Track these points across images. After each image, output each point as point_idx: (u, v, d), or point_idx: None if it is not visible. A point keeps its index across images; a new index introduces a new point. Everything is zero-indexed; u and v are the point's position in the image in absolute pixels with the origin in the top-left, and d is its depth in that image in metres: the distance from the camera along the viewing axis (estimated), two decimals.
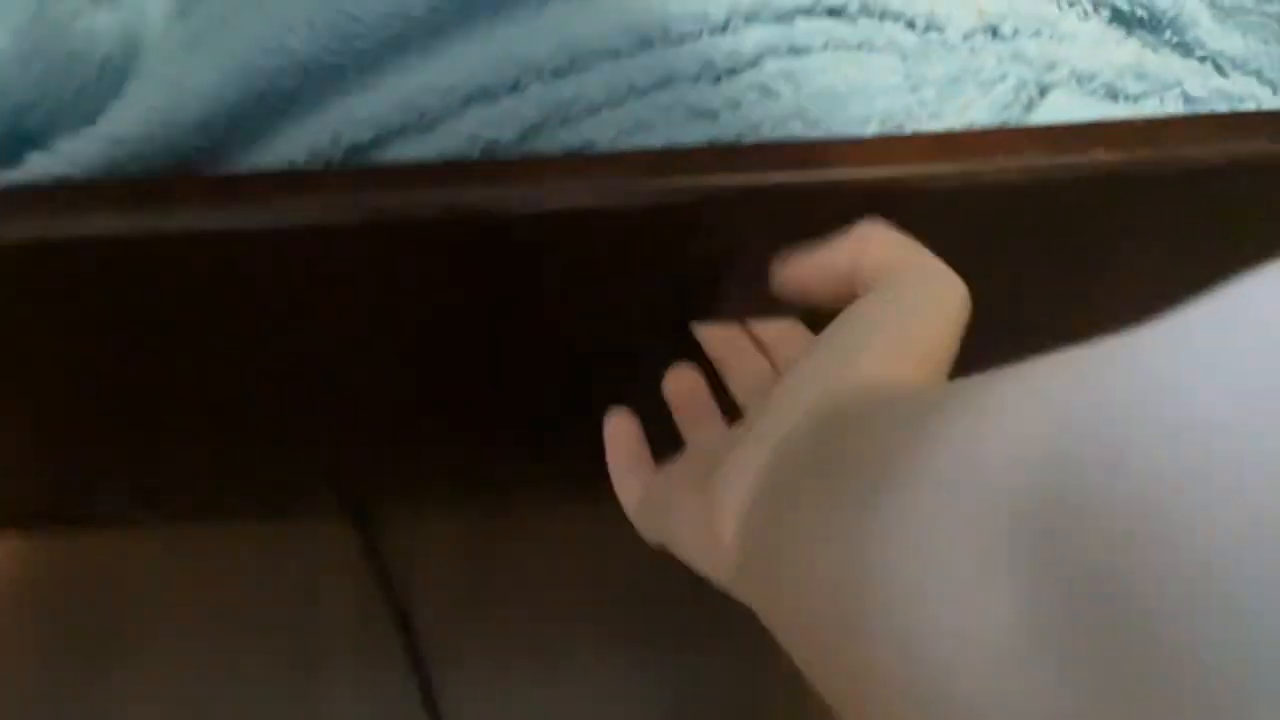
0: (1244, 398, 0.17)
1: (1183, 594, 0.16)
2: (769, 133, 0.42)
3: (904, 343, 0.34)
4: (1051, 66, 0.44)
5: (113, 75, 0.49)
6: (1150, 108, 0.45)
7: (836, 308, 0.37)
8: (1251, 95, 0.45)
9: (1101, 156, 0.40)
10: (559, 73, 0.43)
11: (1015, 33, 0.46)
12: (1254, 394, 0.17)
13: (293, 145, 0.45)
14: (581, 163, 0.42)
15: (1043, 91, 0.45)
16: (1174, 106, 0.45)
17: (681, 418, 0.46)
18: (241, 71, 0.43)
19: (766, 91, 0.43)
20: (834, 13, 0.44)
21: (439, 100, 0.43)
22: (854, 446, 0.29)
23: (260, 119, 0.45)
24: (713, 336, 0.46)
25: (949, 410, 0.25)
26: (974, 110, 0.43)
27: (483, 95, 0.43)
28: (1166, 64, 0.45)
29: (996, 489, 0.22)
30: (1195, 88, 0.45)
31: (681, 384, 0.46)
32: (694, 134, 0.43)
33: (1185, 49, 0.46)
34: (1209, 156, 0.40)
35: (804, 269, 0.39)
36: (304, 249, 0.43)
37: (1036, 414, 0.21)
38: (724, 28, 0.44)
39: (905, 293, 0.36)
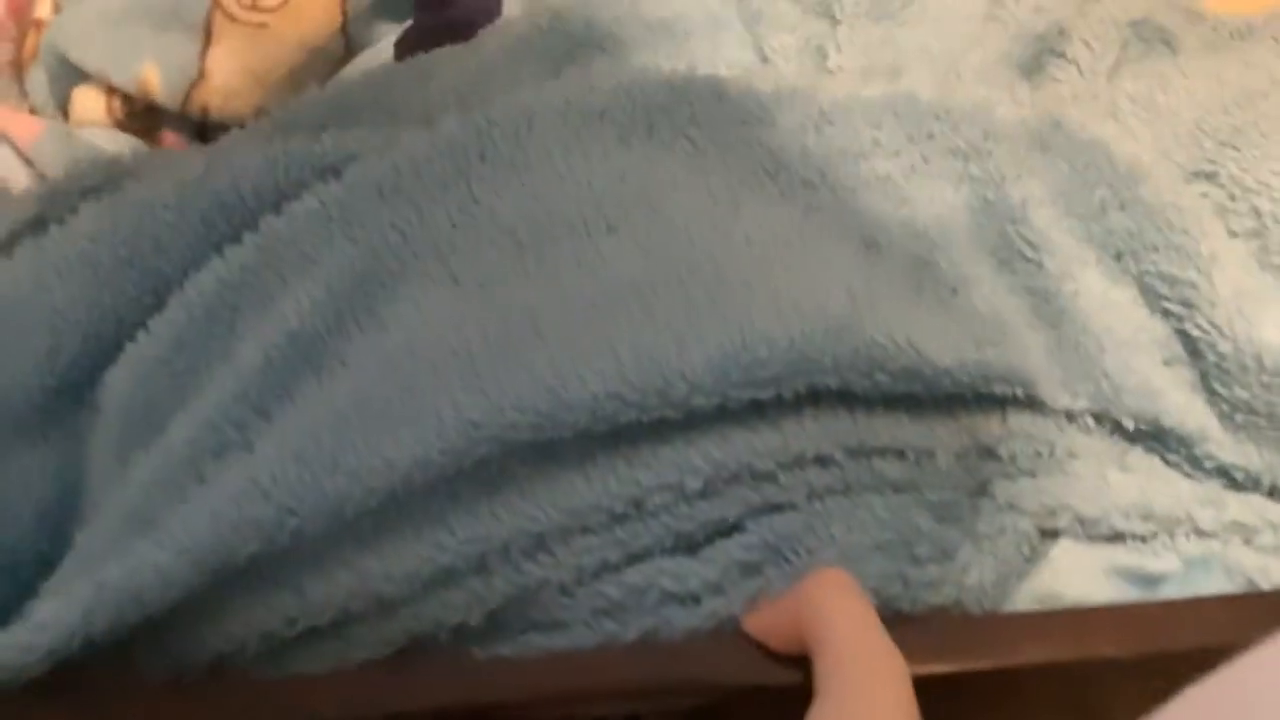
0: None
1: None
2: None
3: None
4: (1052, 512, 0.41)
5: (50, 527, 0.46)
6: (1159, 547, 0.42)
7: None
8: (1268, 522, 0.42)
9: (1107, 651, 0.37)
10: (526, 553, 0.40)
11: (1013, 456, 0.43)
12: None
13: (245, 627, 0.41)
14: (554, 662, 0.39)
15: (1045, 535, 0.42)
16: (1184, 542, 0.42)
17: None
18: (193, 563, 0.40)
19: (749, 569, 0.40)
20: (820, 462, 0.41)
21: (399, 587, 0.40)
22: None
23: (209, 601, 0.41)
24: None
25: None
26: (974, 571, 0.40)
27: (446, 579, 0.40)
28: (1174, 494, 0.42)
29: None
30: (1206, 520, 0.42)
31: None
32: (672, 621, 0.40)
33: (1194, 461, 0.44)
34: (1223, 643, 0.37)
35: (763, 623, 0.39)
36: None
37: None
38: (702, 494, 0.41)
39: (866, 698, 0.34)
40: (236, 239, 0.46)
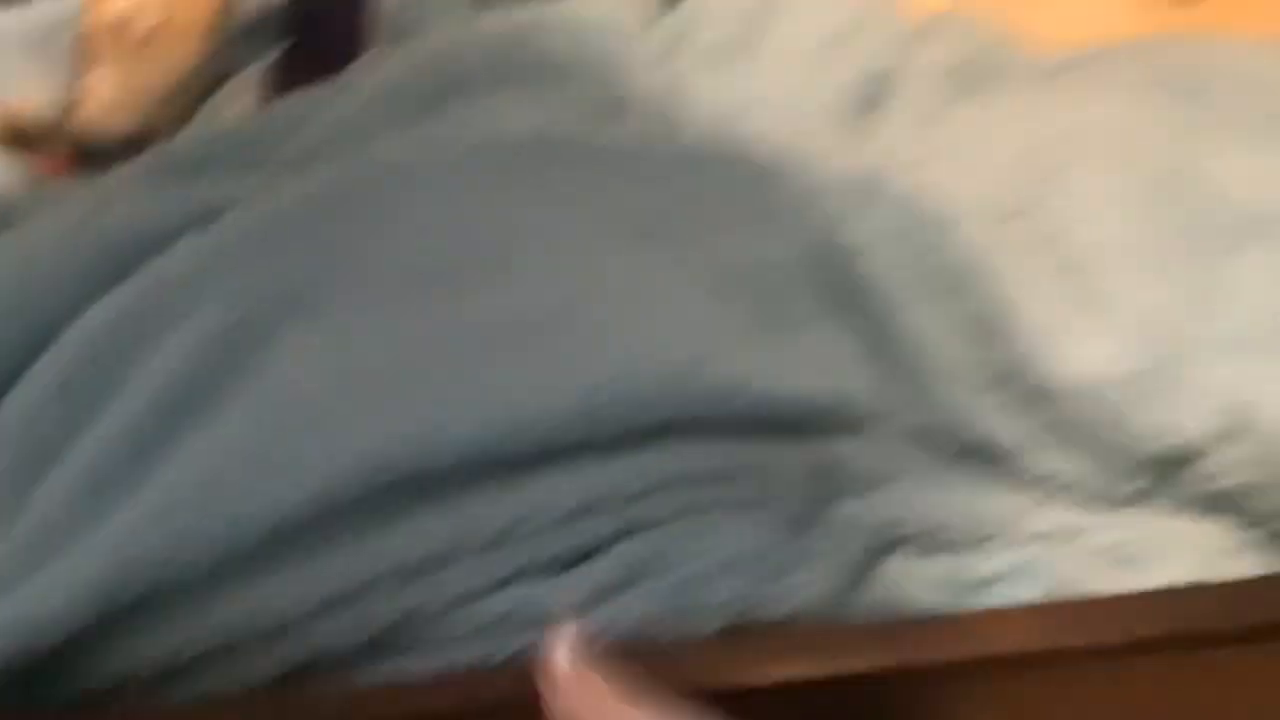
0: None
1: None
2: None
3: None
4: (889, 526, 0.45)
5: None
6: (987, 555, 0.46)
7: None
8: (1081, 529, 0.47)
9: (930, 658, 0.41)
10: (404, 580, 0.43)
11: (853, 476, 0.47)
12: None
13: (135, 656, 0.43)
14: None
15: (882, 548, 0.46)
16: (1009, 549, 0.46)
17: None
18: (86, 600, 0.42)
19: (610, 591, 0.43)
20: (678, 485, 0.45)
21: (281, 619, 0.43)
22: None
23: (103, 632, 0.43)
24: None
25: None
26: (817, 584, 0.44)
27: (328, 607, 0.43)
28: (998, 505, 0.47)
29: None
30: (1028, 528, 0.46)
31: None
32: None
33: (1016, 474, 0.48)
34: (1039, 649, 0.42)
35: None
36: None
37: None
38: (566, 520, 0.44)
39: None
40: (120, 282, 0.47)
